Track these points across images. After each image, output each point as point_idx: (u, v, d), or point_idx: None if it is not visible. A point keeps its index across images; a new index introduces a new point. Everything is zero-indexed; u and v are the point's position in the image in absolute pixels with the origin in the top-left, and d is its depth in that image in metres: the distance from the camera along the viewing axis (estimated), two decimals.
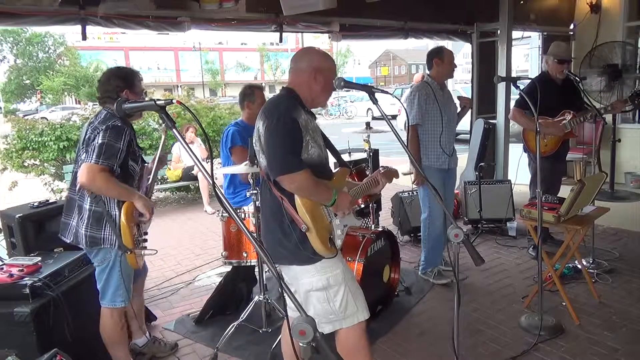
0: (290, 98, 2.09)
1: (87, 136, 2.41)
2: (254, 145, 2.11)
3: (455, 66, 3.82)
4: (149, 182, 2.74)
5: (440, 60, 3.72)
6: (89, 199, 2.41)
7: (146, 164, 2.73)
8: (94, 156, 2.28)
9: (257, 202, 2.94)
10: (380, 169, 2.38)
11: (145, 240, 2.62)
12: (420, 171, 2.96)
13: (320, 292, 2.03)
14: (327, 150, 2.24)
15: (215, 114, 7.75)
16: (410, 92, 3.83)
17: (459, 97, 4.06)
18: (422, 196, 3.89)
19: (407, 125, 3.79)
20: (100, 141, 2.30)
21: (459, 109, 3.96)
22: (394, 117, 13.79)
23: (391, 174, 2.42)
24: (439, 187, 3.73)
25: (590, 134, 5.01)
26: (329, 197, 2.03)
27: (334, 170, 2.27)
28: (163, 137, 2.90)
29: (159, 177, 6.69)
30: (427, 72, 3.86)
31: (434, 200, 3.76)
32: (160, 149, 2.84)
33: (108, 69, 2.69)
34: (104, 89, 2.52)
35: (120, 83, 2.49)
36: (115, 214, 2.40)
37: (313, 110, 2.20)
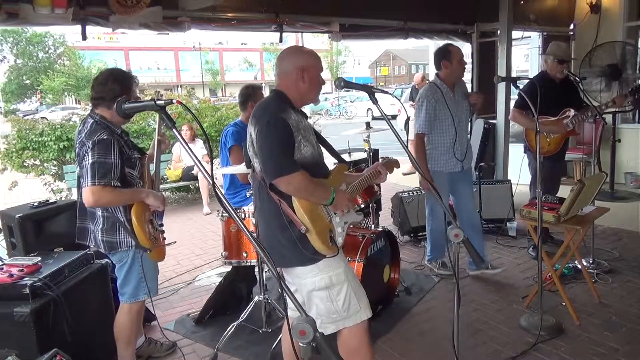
0: (278, 100, 2.08)
1: (77, 150, 2.41)
2: (247, 149, 2.11)
3: (466, 63, 3.63)
4: (153, 170, 2.69)
5: (449, 62, 3.57)
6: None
7: (146, 154, 2.70)
8: (89, 178, 2.26)
9: None
10: (381, 159, 2.39)
11: (163, 232, 2.64)
12: (427, 178, 2.89)
13: (323, 292, 2.03)
14: (322, 148, 2.23)
15: (221, 114, 7.74)
16: (419, 97, 3.67)
17: (469, 94, 3.83)
18: (427, 194, 3.96)
19: (407, 127, 3.75)
20: (91, 160, 2.28)
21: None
22: (394, 117, 13.78)
23: (392, 164, 2.43)
24: (447, 189, 3.73)
25: (590, 134, 4.99)
26: (327, 197, 2.02)
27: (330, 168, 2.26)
28: (157, 122, 2.78)
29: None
30: (436, 71, 3.68)
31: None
32: (156, 132, 2.71)
33: (106, 70, 2.61)
34: (100, 90, 2.46)
35: (117, 87, 2.43)
36: (123, 219, 2.41)
37: (307, 108, 2.18)
